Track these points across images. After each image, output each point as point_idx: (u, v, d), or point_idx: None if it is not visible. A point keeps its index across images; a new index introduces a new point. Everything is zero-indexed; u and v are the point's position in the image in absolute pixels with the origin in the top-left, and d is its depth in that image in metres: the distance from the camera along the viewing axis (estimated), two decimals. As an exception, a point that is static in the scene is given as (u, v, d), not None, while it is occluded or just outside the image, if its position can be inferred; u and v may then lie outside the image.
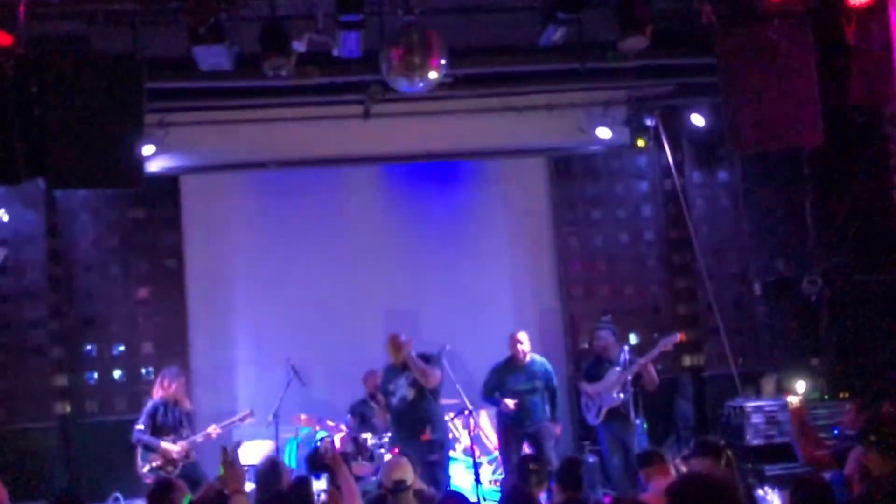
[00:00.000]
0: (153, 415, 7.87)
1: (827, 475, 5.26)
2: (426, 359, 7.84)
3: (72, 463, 8.92)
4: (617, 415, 8.07)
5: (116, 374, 9.43)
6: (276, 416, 8.35)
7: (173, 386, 7.93)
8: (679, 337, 8.14)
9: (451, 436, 8.13)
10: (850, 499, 4.86)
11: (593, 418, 8.26)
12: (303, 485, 5.38)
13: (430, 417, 7.77)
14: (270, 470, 5.88)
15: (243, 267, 9.57)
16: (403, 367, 7.81)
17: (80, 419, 9.24)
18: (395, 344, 7.84)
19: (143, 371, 9.43)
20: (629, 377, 7.98)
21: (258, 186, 9.65)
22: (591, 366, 8.48)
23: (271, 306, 9.47)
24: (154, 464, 7.68)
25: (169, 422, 7.85)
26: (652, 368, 8.04)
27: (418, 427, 7.69)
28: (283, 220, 9.56)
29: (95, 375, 9.39)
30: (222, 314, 9.53)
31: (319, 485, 5.51)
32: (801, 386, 6.15)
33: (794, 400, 6.01)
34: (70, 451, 8.99)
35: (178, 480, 6.03)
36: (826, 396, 8.67)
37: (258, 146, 9.01)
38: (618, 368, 8.11)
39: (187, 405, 8.10)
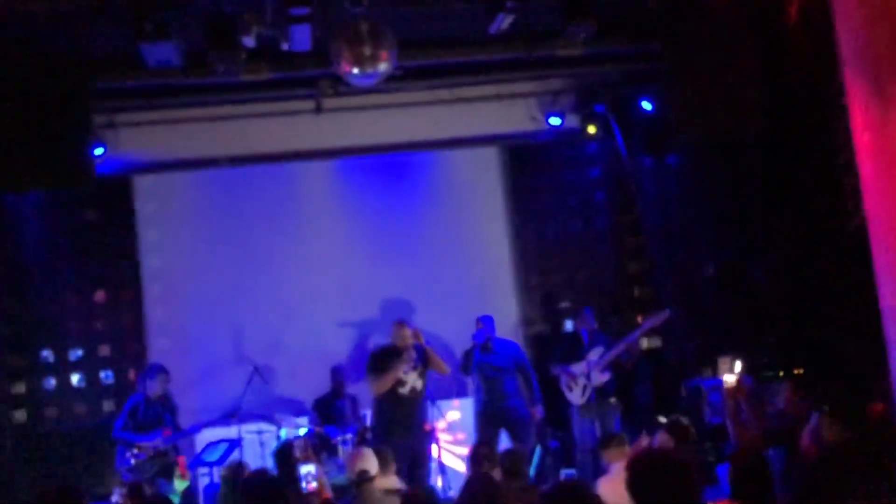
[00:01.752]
0: (133, 412, 7.86)
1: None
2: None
3: (33, 472, 8.80)
4: (601, 395, 8.18)
5: (75, 378, 9.33)
6: (236, 415, 8.35)
7: (155, 382, 7.91)
8: (668, 314, 8.27)
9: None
10: (804, 470, 4.97)
11: (577, 398, 8.33)
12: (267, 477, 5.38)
13: (428, 408, 7.88)
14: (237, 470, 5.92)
15: (200, 266, 9.49)
16: (409, 358, 7.82)
17: (38, 427, 9.13)
18: (405, 331, 7.85)
19: (103, 374, 9.34)
20: (614, 355, 8.09)
21: (212, 185, 9.56)
22: (565, 347, 8.57)
23: (230, 305, 9.42)
24: (133, 461, 7.64)
25: (149, 418, 7.83)
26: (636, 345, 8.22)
27: (422, 418, 7.80)
28: (238, 217, 9.49)
29: (53, 381, 9.29)
30: (180, 314, 9.46)
31: (307, 468, 5.54)
32: (738, 365, 6.27)
33: (729, 379, 6.15)
34: (30, 459, 8.86)
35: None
36: (781, 374, 8.82)
37: (210, 143, 8.97)
38: (600, 348, 8.23)
39: (172, 402, 8.12)
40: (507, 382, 8.34)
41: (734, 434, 5.80)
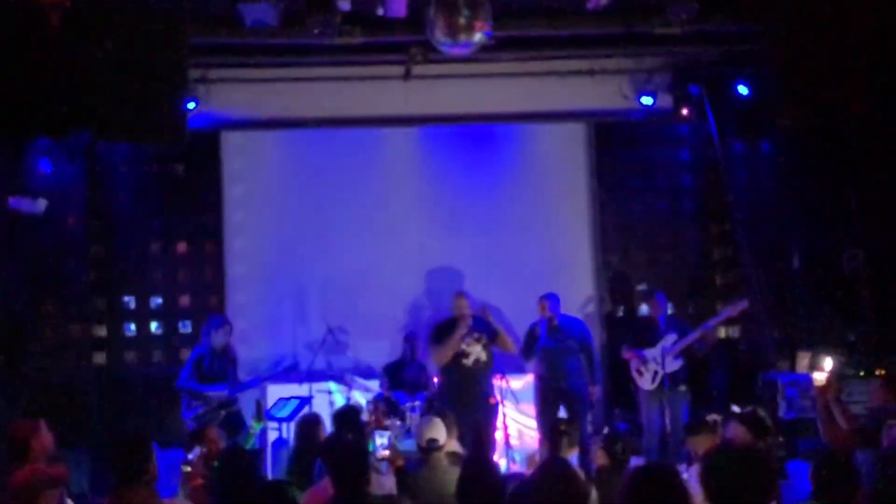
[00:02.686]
0: (198, 363, 8.01)
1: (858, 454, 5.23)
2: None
3: (110, 413, 9.05)
4: (671, 382, 8.09)
5: (153, 326, 9.55)
6: (310, 373, 8.48)
7: (219, 334, 8.04)
8: (746, 304, 8.11)
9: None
10: (886, 474, 4.83)
11: (647, 383, 8.24)
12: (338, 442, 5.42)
13: (492, 381, 7.89)
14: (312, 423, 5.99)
15: (281, 224, 9.60)
16: (474, 329, 7.84)
17: (117, 370, 9.38)
18: (463, 302, 7.88)
19: (180, 324, 9.55)
20: (688, 342, 7.98)
21: (298, 145, 9.64)
22: (639, 331, 8.47)
23: (309, 265, 9.52)
24: (198, 411, 7.80)
25: (214, 370, 7.97)
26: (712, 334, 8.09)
27: (487, 390, 7.82)
28: (321, 179, 9.55)
29: (133, 327, 9.52)
30: (260, 271, 9.59)
31: (381, 440, 5.62)
32: (828, 363, 6.09)
33: (819, 376, 5.98)
34: (108, 401, 9.12)
35: (215, 428, 6.17)
36: (862, 373, 8.58)
37: (299, 104, 9.03)
38: (673, 335, 8.12)
39: (234, 353, 8.25)
40: (570, 362, 8.29)
41: (824, 433, 5.65)
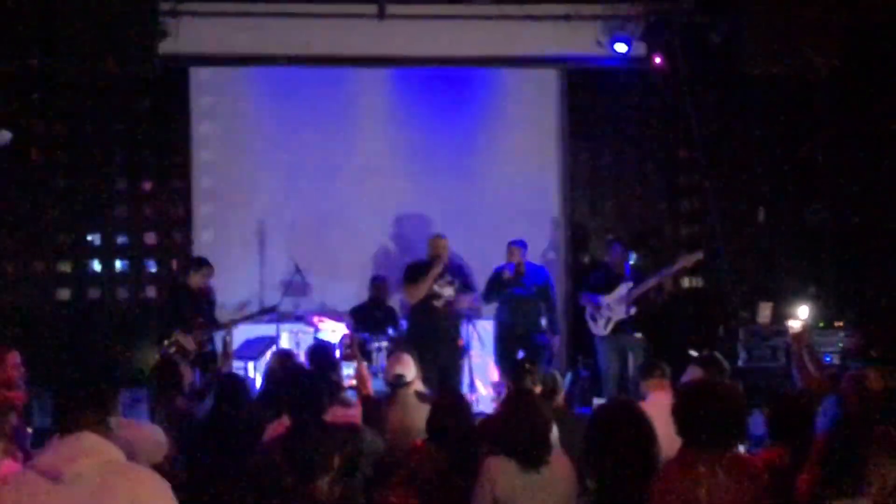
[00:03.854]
0: (175, 302, 7.96)
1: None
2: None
3: (72, 350, 8.98)
4: (623, 328, 8.18)
5: (119, 263, 9.46)
6: (270, 312, 8.47)
7: (198, 276, 8.00)
8: (700, 255, 8.20)
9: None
10: (843, 415, 4.94)
11: (600, 329, 8.34)
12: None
13: (461, 323, 8.01)
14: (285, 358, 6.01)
15: (250, 163, 9.53)
16: (447, 272, 7.94)
17: (81, 306, 9.29)
18: (441, 242, 7.96)
19: (146, 262, 9.46)
20: (642, 291, 8.07)
21: (268, 83, 9.52)
22: (598, 278, 8.54)
23: (277, 205, 9.48)
24: (171, 350, 7.75)
25: (187, 312, 7.89)
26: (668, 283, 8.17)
27: (455, 332, 7.91)
28: (292, 118, 9.46)
29: (97, 264, 9.43)
30: (227, 210, 9.52)
31: (348, 371, 5.64)
32: (803, 311, 6.19)
33: (794, 325, 6.07)
34: (72, 338, 9.04)
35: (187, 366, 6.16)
36: (822, 325, 8.75)
37: (270, 41, 8.85)
38: (630, 283, 8.20)
39: (211, 296, 8.20)
40: (533, 310, 8.38)
41: (800, 378, 5.77)
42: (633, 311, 8.22)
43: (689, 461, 3.45)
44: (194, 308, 7.94)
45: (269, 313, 8.29)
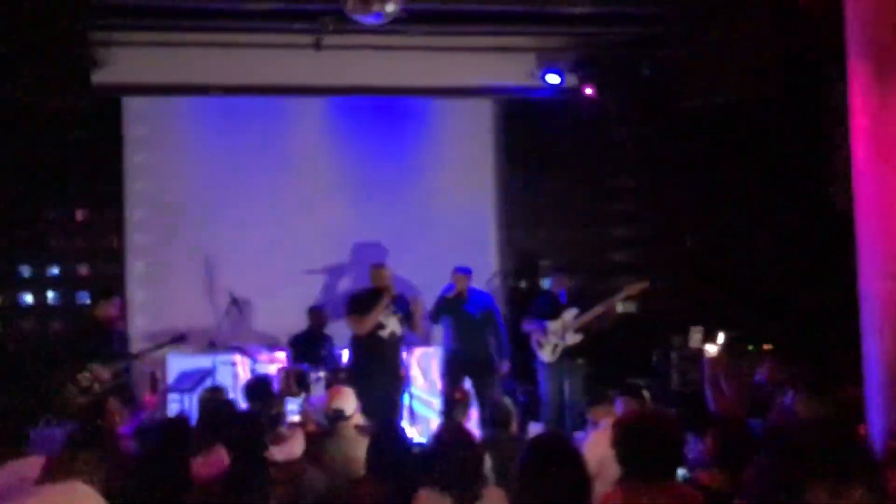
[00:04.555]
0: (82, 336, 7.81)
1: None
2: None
3: (3, 383, 8.77)
4: (571, 355, 8.30)
5: (51, 295, 9.29)
6: (213, 343, 8.39)
7: (102, 308, 7.87)
8: (646, 284, 8.36)
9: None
10: (777, 444, 5.08)
11: (547, 356, 8.42)
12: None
13: (403, 355, 8.03)
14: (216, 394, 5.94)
15: (186, 193, 9.46)
16: (392, 302, 7.91)
17: (12, 340, 9.10)
18: (385, 272, 7.92)
19: (78, 294, 9.30)
20: (589, 318, 8.20)
21: (204, 113, 9.49)
22: (542, 305, 8.63)
23: (212, 235, 9.41)
24: (83, 385, 7.58)
25: (94, 344, 7.74)
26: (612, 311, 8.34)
27: (398, 363, 7.93)
28: (227, 148, 9.44)
29: (30, 297, 9.25)
30: (163, 240, 9.43)
31: (292, 407, 5.61)
32: (720, 336, 6.36)
33: (710, 349, 6.23)
34: (2, 372, 8.83)
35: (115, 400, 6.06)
36: (751, 348, 8.96)
37: (206, 71, 8.84)
38: (575, 309, 8.32)
39: (122, 328, 8.06)
40: (481, 334, 8.44)
41: (713, 402, 5.90)
42: (577, 337, 8.33)
43: (630, 492, 3.52)
44: (101, 339, 7.77)
45: (179, 342, 8.12)
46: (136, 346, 8.38)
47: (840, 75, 6.01)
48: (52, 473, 2.91)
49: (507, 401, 6.20)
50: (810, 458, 3.76)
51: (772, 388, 6.81)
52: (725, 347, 6.55)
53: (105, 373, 7.53)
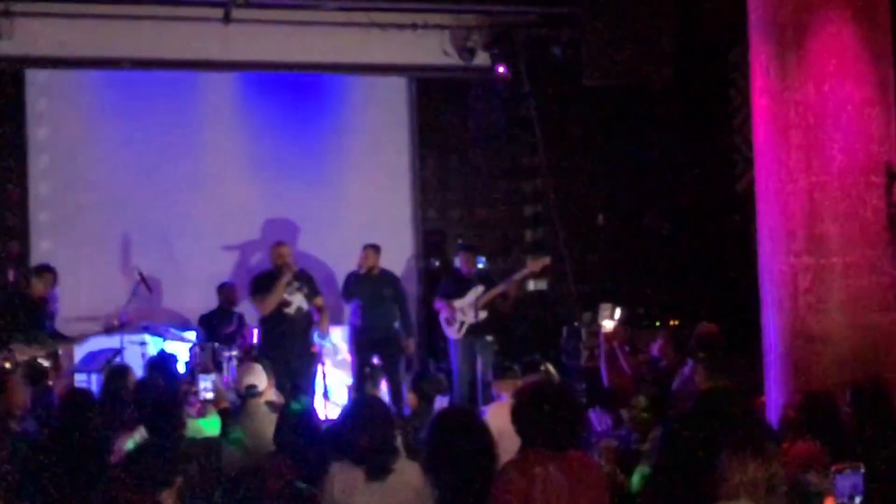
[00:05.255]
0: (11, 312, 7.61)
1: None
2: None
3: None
4: (475, 331, 8.40)
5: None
6: (121, 322, 8.23)
7: (39, 284, 7.69)
8: (547, 260, 8.48)
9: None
10: (675, 413, 5.26)
11: (454, 333, 8.52)
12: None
13: (313, 330, 7.99)
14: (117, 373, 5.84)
15: (91, 168, 9.22)
16: (295, 279, 7.85)
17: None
18: (283, 250, 7.87)
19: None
20: (490, 296, 8.29)
21: (110, 87, 9.24)
22: (450, 283, 8.71)
23: (120, 212, 9.20)
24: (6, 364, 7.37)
25: (25, 320, 7.52)
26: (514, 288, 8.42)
27: (308, 339, 7.87)
28: (135, 123, 9.21)
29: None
30: (67, 217, 9.18)
31: (205, 384, 5.54)
32: (617, 312, 6.52)
33: (607, 325, 6.39)
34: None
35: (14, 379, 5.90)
36: (657, 324, 9.20)
37: (113, 43, 8.64)
38: (480, 287, 8.42)
39: (52, 305, 7.89)
40: (386, 314, 8.49)
41: (608, 377, 6.06)
42: (482, 315, 8.43)
43: (527, 461, 3.61)
44: (32, 317, 7.61)
45: (116, 331, 8.00)
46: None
47: (744, 58, 6.20)
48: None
49: (441, 376, 6.25)
50: (713, 427, 3.93)
51: (665, 362, 7.04)
52: (621, 323, 6.71)
53: (26, 353, 7.31)
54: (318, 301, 8.05)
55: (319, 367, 8.12)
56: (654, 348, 7.59)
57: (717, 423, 4.02)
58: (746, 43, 5.87)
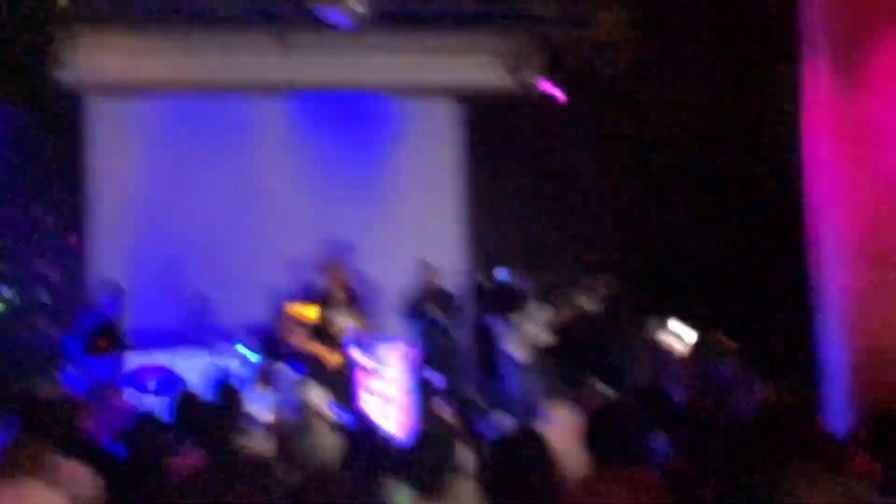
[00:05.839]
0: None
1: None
2: None
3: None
4: (531, 350, 8.55)
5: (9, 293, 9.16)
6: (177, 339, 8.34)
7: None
8: (606, 280, 8.63)
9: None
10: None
11: (516, 351, 8.59)
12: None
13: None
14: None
15: (147, 190, 9.42)
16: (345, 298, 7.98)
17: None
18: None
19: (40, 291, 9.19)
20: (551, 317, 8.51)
21: (169, 111, 9.48)
22: (505, 301, 8.75)
23: (175, 231, 9.35)
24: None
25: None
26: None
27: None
28: (192, 144, 9.44)
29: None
30: (125, 237, 9.37)
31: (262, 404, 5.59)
32: (686, 332, 6.41)
33: (677, 344, 6.29)
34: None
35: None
36: (715, 343, 9.05)
37: (171, 70, 8.82)
38: (538, 306, 8.59)
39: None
40: (444, 330, 8.61)
41: (678, 396, 6.00)
42: (545, 334, 8.49)
43: (596, 482, 3.58)
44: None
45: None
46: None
47: (789, 74, 6.12)
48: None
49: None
50: (778, 446, 3.86)
51: (735, 382, 6.96)
52: (691, 343, 6.64)
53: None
54: (363, 321, 8.08)
55: (370, 384, 8.14)
56: (724, 368, 7.53)
57: (782, 439, 3.96)
58: (790, 57, 5.79)
